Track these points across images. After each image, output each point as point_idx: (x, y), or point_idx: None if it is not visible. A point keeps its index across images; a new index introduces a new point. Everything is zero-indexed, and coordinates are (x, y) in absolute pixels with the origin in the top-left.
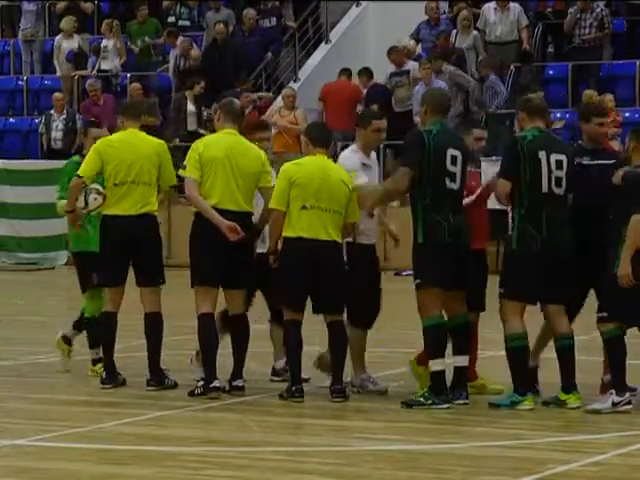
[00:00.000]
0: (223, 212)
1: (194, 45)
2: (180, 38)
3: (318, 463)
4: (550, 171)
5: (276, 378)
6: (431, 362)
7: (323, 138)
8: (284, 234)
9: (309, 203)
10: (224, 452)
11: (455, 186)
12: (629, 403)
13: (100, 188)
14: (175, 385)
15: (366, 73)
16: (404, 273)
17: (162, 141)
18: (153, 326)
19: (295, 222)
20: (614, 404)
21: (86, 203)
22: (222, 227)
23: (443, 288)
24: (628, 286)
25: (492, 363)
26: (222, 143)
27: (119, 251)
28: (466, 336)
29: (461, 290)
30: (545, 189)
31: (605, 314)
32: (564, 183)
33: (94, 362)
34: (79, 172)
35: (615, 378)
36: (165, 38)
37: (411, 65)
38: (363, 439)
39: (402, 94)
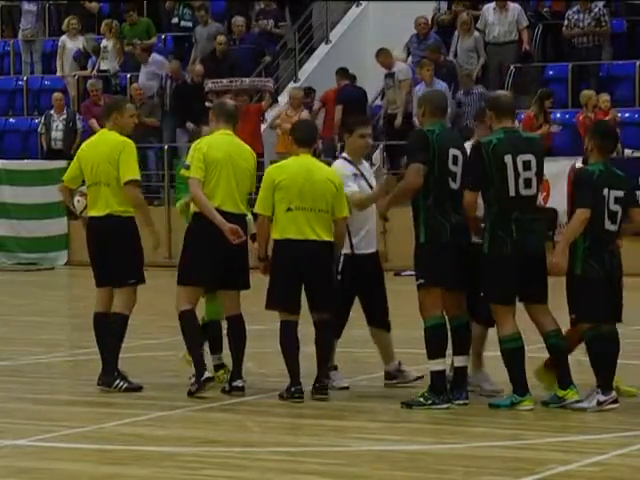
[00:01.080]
0: (224, 214)
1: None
2: (152, 55)
3: (317, 463)
4: (517, 174)
5: (390, 382)
6: (431, 362)
7: (306, 138)
8: (273, 237)
9: (294, 204)
10: (223, 452)
11: (456, 186)
12: (615, 402)
13: (83, 190)
14: (129, 389)
15: (342, 73)
16: (404, 273)
17: (124, 138)
18: (112, 327)
19: (282, 224)
20: (599, 403)
21: (74, 207)
22: (224, 229)
23: (445, 288)
24: (557, 276)
25: (492, 363)
26: (221, 144)
27: (95, 252)
28: (466, 336)
29: (462, 290)
30: (512, 193)
31: (574, 316)
32: (534, 184)
33: (216, 368)
34: (63, 177)
35: (599, 377)
36: (139, 54)
37: (396, 67)
38: (362, 439)
39: (389, 96)
